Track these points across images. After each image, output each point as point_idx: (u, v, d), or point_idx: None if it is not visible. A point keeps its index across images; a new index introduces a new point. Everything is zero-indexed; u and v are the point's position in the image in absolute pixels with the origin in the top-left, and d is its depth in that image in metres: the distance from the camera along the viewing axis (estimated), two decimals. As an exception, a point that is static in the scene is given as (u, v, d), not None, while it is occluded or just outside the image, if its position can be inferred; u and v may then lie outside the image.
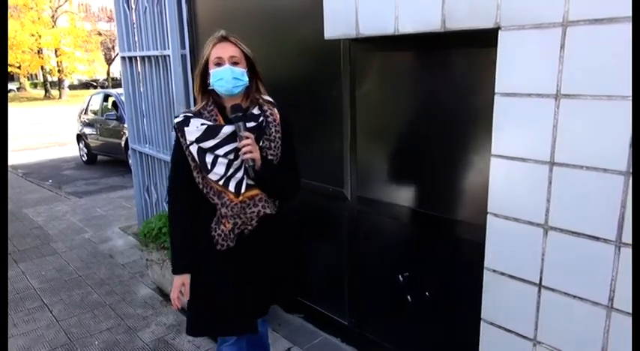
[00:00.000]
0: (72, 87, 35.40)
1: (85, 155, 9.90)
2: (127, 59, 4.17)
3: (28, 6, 27.53)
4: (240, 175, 1.73)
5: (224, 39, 1.75)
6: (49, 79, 33.12)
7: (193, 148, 1.73)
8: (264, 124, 1.76)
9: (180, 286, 1.82)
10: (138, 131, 4.34)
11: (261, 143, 1.74)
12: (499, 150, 1.54)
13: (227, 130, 1.70)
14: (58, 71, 31.01)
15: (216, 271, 1.82)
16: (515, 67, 1.46)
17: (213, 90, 1.76)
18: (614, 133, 1.28)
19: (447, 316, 2.09)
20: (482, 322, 1.72)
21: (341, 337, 2.69)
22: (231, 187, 1.73)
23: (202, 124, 1.71)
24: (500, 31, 1.47)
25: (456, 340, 2.07)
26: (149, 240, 3.45)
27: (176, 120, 1.78)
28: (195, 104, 3.57)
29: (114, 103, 8.81)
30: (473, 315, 1.76)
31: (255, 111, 1.78)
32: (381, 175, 2.23)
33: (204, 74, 1.76)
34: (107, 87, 29.01)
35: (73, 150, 10.80)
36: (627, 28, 1.21)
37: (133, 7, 3.95)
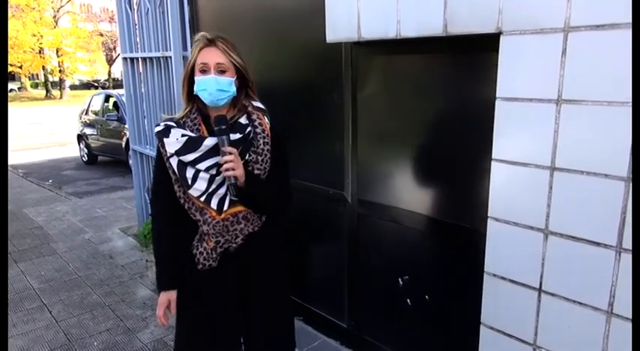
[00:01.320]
0: (73, 87, 35.44)
1: (85, 155, 9.91)
2: (128, 60, 4.18)
3: (30, 6, 27.58)
4: (222, 191, 1.61)
5: (211, 43, 1.59)
6: (50, 79, 33.15)
7: (173, 161, 1.60)
8: (251, 135, 1.62)
9: (165, 302, 1.72)
10: (139, 132, 4.34)
11: (247, 156, 1.62)
12: (500, 154, 1.55)
13: (209, 142, 1.56)
14: (60, 71, 31.05)
15: (198, 292, 1.72)
16: (516, 72, 1.46)
17: (197, 96, 1.62)
18: (615, 138, 1.28)
19: (447, 319, 2.09)
20: (481, 327, 1.72)
21: (340, 339, 2.69)
22: (213, 203, 1.61)
23: (183, 136, 1.58)
24: (501, 36, 1.47)
25: (455, 344, 2.07)
26: (149, 241, 3.45)
27: (156, 129, 1.64)
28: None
29: (115, 104, 8.82)
30: (473, 319, 1.76)
31: (243, 120, 1.64)
32: (381, 179, 2.24)
33: (190, 79, 1.62)
34: (108, 87, 29.04)
35: (73, 150, 10.81)
36: (629, 34, 1.22)
37: (135, 8, 3.96)
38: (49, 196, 6.93)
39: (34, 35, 27.94)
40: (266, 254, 1.76)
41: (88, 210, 6.06)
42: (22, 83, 35.42)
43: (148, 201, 4.38)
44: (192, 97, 1.65)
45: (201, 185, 1.60)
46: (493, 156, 1.56)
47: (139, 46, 4.01)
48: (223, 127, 1.55)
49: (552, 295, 1.49)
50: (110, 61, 33.14)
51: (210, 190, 1.60)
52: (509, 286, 1.60)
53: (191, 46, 3.46)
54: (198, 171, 1.59)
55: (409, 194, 2.12)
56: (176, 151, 1.58)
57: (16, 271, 4.11)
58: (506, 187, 1.56)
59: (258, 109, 1.68)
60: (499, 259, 1.62)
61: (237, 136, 1.60)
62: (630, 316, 1.32)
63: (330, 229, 2.62)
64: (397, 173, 2.16)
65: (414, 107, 2.04)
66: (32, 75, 37.03)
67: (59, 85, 32.46)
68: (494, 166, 1.57)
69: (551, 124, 1.40)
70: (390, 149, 2.19)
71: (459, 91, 1.86)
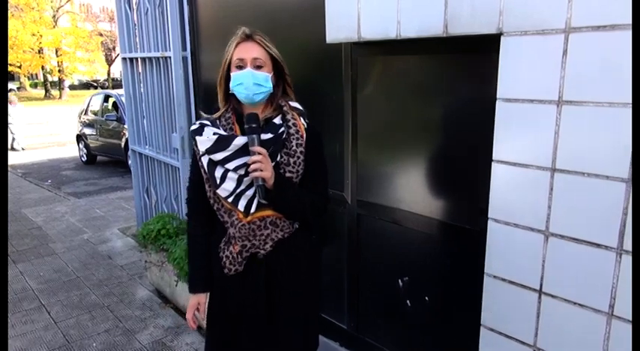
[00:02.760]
0: (72, 87, 35.38)
1: (84, 156, 9.90)
2: (127, 60, 4.18)
3: (29, 6, 27.54)
4: (251, 192, 1.55)
5: (248, 38, 1.55)
6: (50, 79, 33.12)
7: (204, 160, 1.58)
8: (284, 136, 1.56)
9: (195, 305, 1.70)
10: (138, 132, 4.34)
11: (278, 158, 1.56)
12: (500, 155, 1.54)
13: (239, 141, 1.52)
14: (59, 71, 31.02)
15: (224, 298, 1.69)
16: (517, 72, 1.46)
17: (233, 95, 1.59)
18: (616, 139, 1.27)
19: (447, 321, 2.09)
20: (481, 328, 1.71)
21: (340, 341, 2.68)
22: (241, 205, 1.56)
23: (214, 134, 1.55)
24: (502, 37, 1.47)
25: (455, 345, 2.06)
26: (148, 241, 3.44)
27: (192, 127, 1.62)
28: (195, 106, 3.58)
29: (114, 104, 8.82)
30: (472, 320, 1.75)
31: (277, 120, 1.59)
32: (381, 180, 2.23)
33: (227, 78, 1.59)
34: (107, 87, 29.02)
35: (72, 150, 10.80)
36: (629, 35, 1.21)
37: (135, 8, 3.96)
38: (48, 196, 6.92)
39: (34, 35, 27.89)
40: (297, 264, 1.68)
41: (87, 210, 6.05)
42: (21, 83, 35.37)
43: (147, 201, 4.38)
44: (228, 97, 1.62)
45: (229, 185, 1.55)
46: (493, 157, 1.56)
47: (138, 46, 4.01)
48: (254, 125, 1.50)
49: (553, 296, 1.49)
50: (109, 61, 33.11)
51: (239, 190, 1.55)
52: (509, 288, 1.60)
53: (191, 46, 3.46)
54: (227, 170, 1.55)
55: (409, 195, 2.12)
56: (207, 150, 1.55)
57: (14, 271, 4.10)
58: (506, 189, 1.55)
59: (294, 109, 1.63)
60: (499, 260, 1.62)
61: (269, 135, 1.54)
62: (631, 318, 1.32)
63: (329, 230, 2.61)
64: (397, 174, 2.15)
65: (414, 108, 2.04)
66: (31, 75, 36.98)
67: (58, 85, 32.42)
68: (495, 167, 1.56)
69: (552, 126, 1.39)
70: (389, 150, 2.18)
71: (459, 92, 1.85)
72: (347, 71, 2.27)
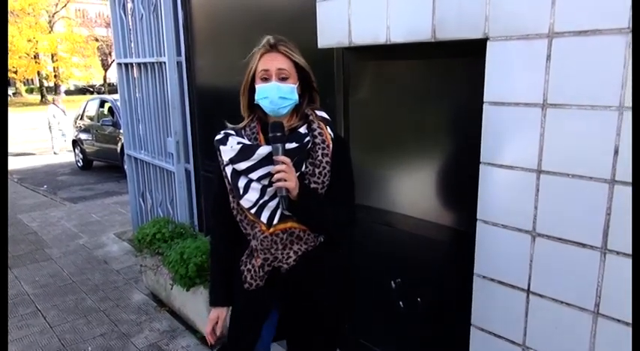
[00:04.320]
0: (68, 92, 35.33)
1: (80, 161, 9.89)
2: (123, 65, 4.20)
3: (25, 11, 27.58)
4: (274, 203, 1.51)
5: (272, 48, 1.51)
6: (45, 84, 33.09)
7: (228, 169, 1.54)
8: (309, 145, 1.52)
9: (215, 319, 1.64)
10: (133, 137, 4.36)
11: (303, 168, 1.51)
12: (487, 158, 1.57)
13: (263, 151, 1.48)
14: (55, 76, 31.00)
15: (245, 314, 1.64)
16: (502, 76, 1.49)
17: (258, 105, 1.54)
18: (599, 142, 1.30)
19: (439, 321, 2.11)
20: (472, 328, 1.74)
21: (334, 343, 2.70)
22: (264, 216, 1.52)
23: (238, 143, 1.52)
24: (488, 42, 1.50)
25: (447, 344, 2.08)
26: (143, 246, 3.46)
27: (217, 137, 1.58)
28: (190, 111, 3.60)
29: (110, 109, 8.83)
30: (464, 320, 1.78)
31: (302, 129, 1.54)
32: (374, 183, 2.25)
33: (251, 89, 1.55)
34: (103, 92, 29.00)
35: (68, 155, 10.79)
36: (611, 40, 1.24)
37: (130, 14, 3.98)
38: (44, 201, 6.92)
39: (30, 40, 27.91)
40: (321, 280, 1.62)
41: (82, 215, 6.05)
42: (16, 89, 35.29)
43: (143, 205, 4.39)
44: (252, 107, 1.58)
45: (252, 196, 1.51)
46: (481, 159, 1.59)
47: (133, 51, 4.03)
48: (278, 134, 1.45)
49: (540, 296, 1.52)
50: (105, 66, 33.11)
51: (262, 201, 1.51)
52: (498, 288, 1.63)
53: (185, 51, 3.49)
54: (250, 180, 1.51)
55: (401, 198, 2.15)
56: (230, 159, 1.52)
57: (10, 276, 4.10)
58: (494, 190, 1.58)
59: (321, 118, 1.59)
60: (488, 260, 1.65)
61: (294, 145, 1.49)
62: (617, 317, 1.34)
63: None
64: (389, 177, 2.18)
65: (405, 111, 2.07)
66: (27, 80, 36.94)
67: (54, 90, 32.38)
68: (482, 170, 1.59)
69: (537, 128, 1.42)
70: (381, 153, 2.21)
71: (448, 96, 1.88)
72: (339, 75, 2.30)
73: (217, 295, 1.67)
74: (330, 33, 2.04)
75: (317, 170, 1.51)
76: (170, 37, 3.46)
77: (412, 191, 2.10)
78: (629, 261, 1.29)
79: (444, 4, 1.60)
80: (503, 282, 1.61)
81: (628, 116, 1.24)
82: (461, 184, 1.88)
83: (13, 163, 10.38)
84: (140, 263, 3.65)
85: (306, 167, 1.52)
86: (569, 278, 1.43)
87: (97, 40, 31.19)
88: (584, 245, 1.38)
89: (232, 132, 1.58)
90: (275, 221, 1.52)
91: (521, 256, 1.54)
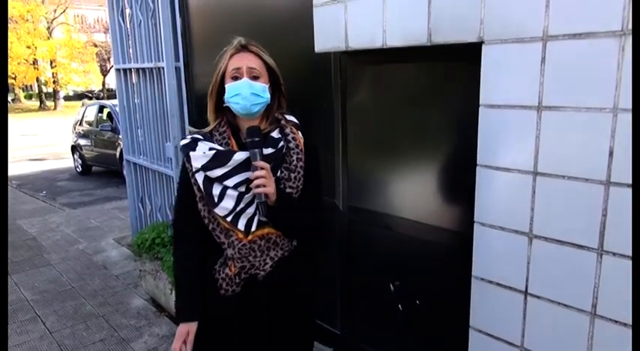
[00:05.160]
0: (67, 98, 35.36)
1: (79, 166, 9.90)
2: (121, 71, 4.21)
3: (24, 17, 27.65)
4: (251, 210, 1.48)
5: (243, 48, 1.50)
6: (44, 90, 33.12)
7: (199, 177, 1.48)
8: (284, 150, 1.51)
9: (184, 334, 1.52)
10: (132, 142, 4.36)
11: (279, 173, 1.50)
12: (484, 160, 1.58)
13: (239, 157, 1.45)
14: (54, 82, 31.04)
15: (222, 321, 1.58)
16: (498, 79, 1.50)
17: (227, 108, 1.51)
18: (594, 143, 1.31)
19: (437, 323, 2.11)
20: (470, 330, 1.74)
21: (333, 346, 2.70)
22: (241, 224, 1.48)
23: (211, 149, 1.46)
24: (483, 45, 1.51)
25: (445, 347, 2.09)
26: (142, 251, 3.46)
27: (182, 142, 1.54)
28: (189, 116, 3.61)
29: (109, 115, 8.84)
30: (462, 322, 1.78)
31: (275, 134, 1.52)
32: (371, 185, 2.26)
33: (220, 90, 1.51)
34: (102, 98, 29.02)
35: (67, 161, 10.80)
36: (604, 43, 1.25)
37: (128, 19, 4.00)
38: (43, 207, 6.93)
39: (29, 47, 27.97)
40: (297, 285, 1.61)
41: (82, 221, 6.05)
42: (15, 95, 35.33)
43: (142, 210, 4.40)
44: (220, 109, 1.55)
45: (228, 203, 1.46)
46: (478, 161, 1.60)
47: (131, 57, 4.05)
48: (256, 139, 1.43)
49: (538, 297, 1.52)
50: (104, 72, 33.15)
51: (238, 209, 1.47)
52: (496, 290, 1.63)
53: (183, 57, 3.50)
54: (225, 188, 1.46)
55: (399, 200, 2.15)
56: (203, 166, 1.46)
57: (9, 282, 4.10)
58: (490, 192, 1.59)
59: (292, 123, 1.58)
60: (486, 262, 1.65)
61: (270, 150, 1.47)
62: (614, 318, 1.35)
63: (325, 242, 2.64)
64: (387, 180, 2.19)
65: (402, 114, 2.08)
66: (26, 86, 36.98)
67: (53, 96, 32.42)
68: (479, 172, 1.60)
69: (533, 130, 1.43)
70: (379, 156, 2.22)
71: (444, 99, 1.90)
72: (336, 79, 2.32)
73: (187, 309, 1.56)
74: (327, 37, 2.05)
75: (292, 175, 1.51)
76: (168, 43, 3.47)
77: (410, 194, 2.11)
78: (626, 262, 1.30)
79: (439, 8, 1.62)
80: (501, 284, 1.61)
81: (622, 118, 1.25)
82: (458, 186, 1.89)
83: (13, 169, 10.38)
84: (139, 268, 3.66)
85: (282, 172, 1.50)
86: (567, 280, 1.44)
87: (95, 45, 31.24)
88: (580, 246, 1.39)
89: (200, 137, 1.52)
90: (253, 228, 1.49)
91: (518, 257, 1.54)
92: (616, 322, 1.34)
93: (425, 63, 1.92)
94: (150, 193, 4.23)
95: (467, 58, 1.67)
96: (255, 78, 1.48)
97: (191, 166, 1.50)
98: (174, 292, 2.72)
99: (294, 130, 1.56)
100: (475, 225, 1.65)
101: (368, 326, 2.49)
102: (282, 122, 1.56)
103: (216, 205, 1.47)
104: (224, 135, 1.53)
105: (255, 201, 1.45)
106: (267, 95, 1.50)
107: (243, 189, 1.46)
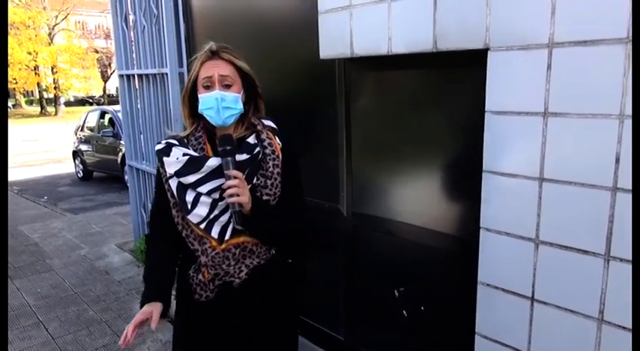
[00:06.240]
0: (68, 104, 35.43)
1: (80, 172, 9.91)
2: (124, 77, 4.23)
3: (25, 24, 27.76)
4: (225, 218, 1.45)
5: (214, 55, 1.47)
6: (45, 95, 33.20)
7: (173, 183, 1.46)
8: (259, 156, 1.48)
9: (146, 313, 1.45)
10: (135, 148, 4.37)
11: (255, 180, 1.47)
12: (490, 166, 1.59)
13: (212, 163, 1.42)
14: (55, 88, 31.12)
15: (195, 327, 1.58)
16: (504, 86, 1.51)
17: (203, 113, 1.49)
18: (600, 149, 1.32)
19: (443, 329, 2.11)
20: (476, 336, 1.74)
21: (337, 352, 2.70)
22: (214, 232, 1.46)
23: (184, 155, 1.44)
24: (489, 52, 1.52)
25: (451, 354, 2.08)
26: (145, 256, 3.46)
27: (157, 147, 1.51)
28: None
29: (110, 120, 8.86)
30: (468, 329, 1.78)
31: (251, 140, 1.50)
32: (376, 192, 2.27)
33: (192, 98, 1.50)
34: (103, 104, 29.09)
35: (68, 167, 10.80)
36: (610, 50, 1.26)
37: (131, 25, 4.02)
38: (45, 212, 6.92)
39: (30, 53, 28.07)
40: (273, 293, 1.59)
41: (83, 226, 6.05)
42: (16, 100, 35.39)
43: (144, 216, 4.40)
44: (195, 115, 1.53)
45: (201, 210, 1.44)
46: (483, 168, 1.60)
47: (135, 63, 4.06)
48: (228, 148, 1.41)
49: (544, 303, 1.52)
50: (105, 78, 33.24)
51: (212, 216, 1.45)
52: (502, 296, 1.63)
53: (187, 63, 3.51)
54: (199, 194, 1.44)
55: (403, 206, 2.15)
56: (176, 172, 1.44)
57: (11, 288, 4.09)
58: (496, 198, 1.59)
59: (269, 128, 1.55)
60: (492, 269, 1.65)
61: (245, 156, 1.46)
62: (621, 324, 1.35)
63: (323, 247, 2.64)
64: (391, 186, 2.19)
65: (406, 121, 2.08)
66: (27, 92, 37.07)
67: (54, 101, 32.49)
68: (485, 178, 1.61)
69: (539, 137, 1.44)
70: (383, 162, 2.22)
71: (449, 105, 1.90)
72: (341, 86, 2.32)
73: (152, 290, 1.52)
74: (332, 44, 2.06)
75: (269, 182, 1.48)
76: (172, 49, 3.49)
77: (415, 200, 2.11)
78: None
79: (444, 15, 1.63)
80: (507, 290, 1.61)
81: (628, 124, 1.25)
82: (464, 192, 1.89)
83: (14, 175, 10.39)
84: (142, 274, 3.65)
85: (258, 179, 1.48)
86: (573, 286, 1.44)
87: (96, 51, 31.35)
88: (587, 252, 1.39)
89: (175, 142, 1.50)
90: (227, 236, 1.46)
91: (524, 263, 1.54)
92: (624, 328, 1.34)
93: (430, 69, 1.93)
94: (152, 199, 4.23)
95: (472, 65, 1.68)
96: (227, 87, 1.45)
97: (165, 171, 1.48)
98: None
99: (271, 135, 1.53)
100: (481, 231, 1.65)
101: (371, 332, 2.48)
102: (259, 127, 1.53)
103: (190, 211, 1.45)
104: (200, 140, 1.51)
105: (230, 210, 1.43)
106: (240, 106, 1.48)
107: (217, 196, 1.44)
